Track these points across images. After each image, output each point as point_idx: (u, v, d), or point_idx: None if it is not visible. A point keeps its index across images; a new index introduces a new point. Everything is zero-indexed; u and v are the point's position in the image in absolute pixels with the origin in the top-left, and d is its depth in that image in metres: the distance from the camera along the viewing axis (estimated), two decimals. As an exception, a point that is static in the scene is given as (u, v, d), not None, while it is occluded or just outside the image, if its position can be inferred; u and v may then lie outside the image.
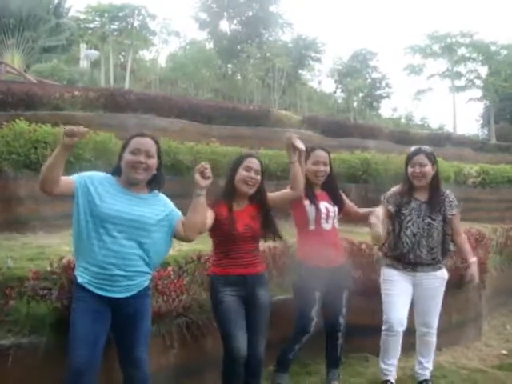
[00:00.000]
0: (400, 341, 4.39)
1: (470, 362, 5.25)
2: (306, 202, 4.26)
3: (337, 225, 4.40)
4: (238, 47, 40.29)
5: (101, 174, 3.31)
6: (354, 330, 4.66)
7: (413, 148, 4.49)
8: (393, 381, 4.44)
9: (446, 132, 28.23)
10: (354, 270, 5.15)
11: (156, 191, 3.42)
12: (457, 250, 4.59)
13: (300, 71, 42.77)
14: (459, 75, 38.67)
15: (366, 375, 4.54)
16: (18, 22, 30.40)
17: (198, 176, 3.30)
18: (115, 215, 3.16)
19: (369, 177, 9.73)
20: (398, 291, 4.37)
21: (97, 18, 32.96)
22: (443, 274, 4.48)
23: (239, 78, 41.38)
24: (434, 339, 4.55)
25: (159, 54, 47.38)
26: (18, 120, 7.13)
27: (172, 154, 7.98)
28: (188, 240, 3.45)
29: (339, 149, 11.55)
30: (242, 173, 3.79)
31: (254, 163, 3.82)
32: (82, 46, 35.42)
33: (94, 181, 3.21)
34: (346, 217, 4.60)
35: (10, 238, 3.71)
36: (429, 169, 4.33)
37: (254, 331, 3.77)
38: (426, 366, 4.58)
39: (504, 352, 5.62)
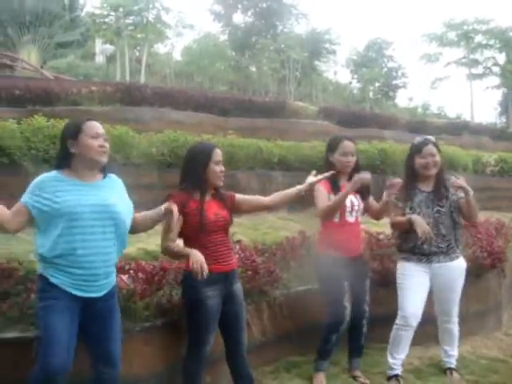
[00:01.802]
0: (412, 335, 4.40)
1: (490, 352, 5.24)
2: (331, 195, 4.29)
3: (360, 218, 4.44)
4: (253, 39, 40.20)
5: (48, 176, 3.09)
6: (374, 320, 4.67)
7: (420, 138, 4.48)
8: (401, 374, 4.45)
9: (463, 121, 27.90)
10: (372, 260, 5.18)
11: (110, 175, 3.29)
12: (468, 215, 4.41)
13: (315, 62, 42.59)
14: (476, 63, 38.27)
15: (385, 365, 4.54)
16: (33, 19, 30.61)
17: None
18: (82, 211, 3.01)
19: (386, 167, 9.72)
20: (413, 285, 4.36)
21: (112, 13, 33.02)
22: (460, 263, 4.46)
23: (254, 70, 41.30)
24: (455, 327, 4.57)
25: (174, 47, 47.49)
26: (36, 116, 7.20)
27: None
28: (131, 233, 3.35)
29: (356, 139, 11.47)
30: (214, 168, 3.65)
31: (220, 155, 3.71)
32: (98, 41, 35.61)
33: (45, 188, 3.03)
34: (366, 211, 4.62)
35: (30, 233, 3.71)
36: (438, 158, 4.36)
37: (237, 328, 3.74)
38: (450, 353, 4.61)
39: (524, 341, 5.59)
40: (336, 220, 4.30)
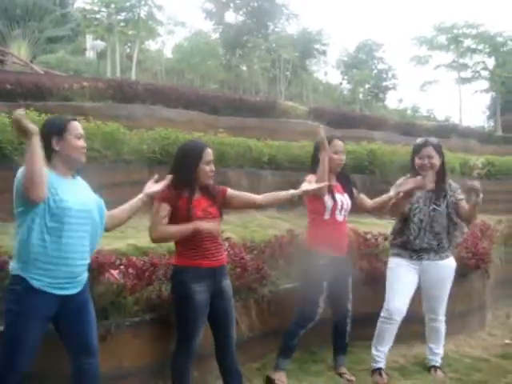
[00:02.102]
0: (396, 329, 4.50)
1: (474, 351, 5.33)
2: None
3: (347, 216, 4.52)
4: (244, 38, 40.19)
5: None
6: (359, 318, 4.74)
7: (420, 140, 4.58)
8: (383, 367, 4.54)
9: (451, 123, 28.07)
10: (359, 259, 5.25)
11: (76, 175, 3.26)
12: (468, 216, 4.49)
13: (306, 62, 42.65)
14: (465, 67, 38.45)
15: (370, 362, 4.62)
16: (23, 13, 30.42)
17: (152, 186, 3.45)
18: (72, 207, 3.02)
19: (375, 168, 9.79)
20: (402, 280, 4.46)
21: (103, 9, 32.85)
22: (450, 262, 4.57)
23: (244, 69, 41.30)
24: (442, 326, 4.66)
25: (165, 44, 47.39)
26: (28, 111, 7.20)
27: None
28: (107, 230, 3.37)
29: (345, 140, 11.52)
30: (205, 168, 3.66)
31: (211, 155, 3.73)
32: (88, 37, 35.40)
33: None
34: (360, 209, 4.73)
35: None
36: (436, 160, 4.45)
37: (226, 324, 3.78)
38: (436, 351, 4.70)
39: (508, 341, 5.69)
40: (326, 217, 4.36)
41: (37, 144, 2.79)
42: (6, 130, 6.43)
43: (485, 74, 38.40)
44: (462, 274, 5.53)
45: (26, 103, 10.01)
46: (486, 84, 39.21)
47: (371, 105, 42.86)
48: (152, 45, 41.46)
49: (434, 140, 4.58)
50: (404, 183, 4.37)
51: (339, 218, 4.40)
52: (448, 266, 4.55)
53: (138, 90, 12.65)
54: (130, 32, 33.06)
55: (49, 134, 3.09)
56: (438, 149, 4.49)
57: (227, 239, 4.87)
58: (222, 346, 3.82)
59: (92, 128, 7.19)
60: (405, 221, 4.50)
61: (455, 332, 5.57)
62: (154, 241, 3.74)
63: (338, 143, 4.49)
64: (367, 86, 44.34)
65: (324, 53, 44.33)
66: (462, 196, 4.49)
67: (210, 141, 8.01)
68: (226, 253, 3.97)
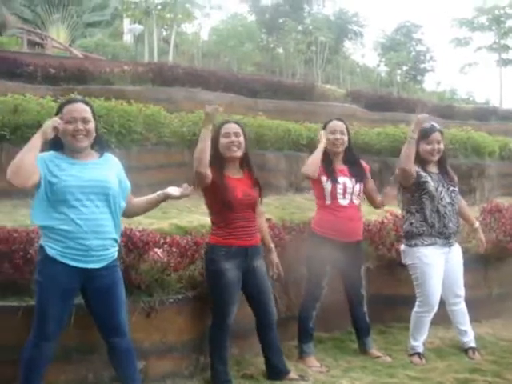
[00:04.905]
0: (432, 317, 4.55)
1: (511, 335, 5.29)
2: (324, 178, 4.37)
3: (357, 201, 4.46)
4: (280, 20, 39.94)
5: (51, 152, 3.22)
6: (397, 300, 4.81)
7: (426, 125, 4.52)
8: (422, 352, 4.57)
9: (491, 106, 27.47)
10: (396, 241, 5.28)
11: (107, 154, 3.38)
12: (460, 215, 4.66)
13: (342, 45, 42.23)
14: (507, 48, 37.59)
15: (406, 344, 4.68)
16: (63, -3, 30.80)
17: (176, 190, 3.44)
18: (80, 184, 3.12)
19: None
20: (439, 273, 4.46)
21: (141, -7, 32.99)
22: (458, 245, 4.66)
23: (281, 51, 41.07)
24: (464, 305, 4.67)
25: (201, 27, 47.32)
26: (72, 94, 7.40)
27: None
28: (125, 216, 3.48)
29: (383, 123, 11.52)
30: (223, 141, 3.84)
31: (230, 128, 3.88)
32: (126, 21, 35.64)
33: (46, 161, 3.14)
34: (366, 199, 4.70)
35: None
36: (442, 146, 4.51)
37: (262, 300, 3.92)
38: (468, 333, 4.70)
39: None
40: (328, 202, 4.37)
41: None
42: (52, 113, 6.58)
43: (527, 55, 37.48)
44: (499, 257, 5.54)
45: (68, 87, 10.28)
46: (528, 66, 38.27)
47: (409, 87, 42.20)
48: (189, 28, 41.55)
49: (437, 125, 4.62)
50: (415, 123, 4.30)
51: (343, 202, 4.36)
52: (459, 247, 4.64)
53: (177, 73, 12.77)
54: (168, 15, 33.14)
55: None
56: (442, 133, 4.56)
57: (267, 220, 4.97)
58: (262, 322, 3.96)
59: (134, 111, 7.35)
60: (430, 208, 4.43)
61: (492, 316, 5.59)
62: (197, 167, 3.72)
63: (334, 123, 4.47)
64: (405, 68, 43.67)
65: (361, 35, 43.82)
66: (456, 179, 4.63)
67: (249, 123, 8.11)
68: (258, 233, 4.03)
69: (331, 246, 4.29)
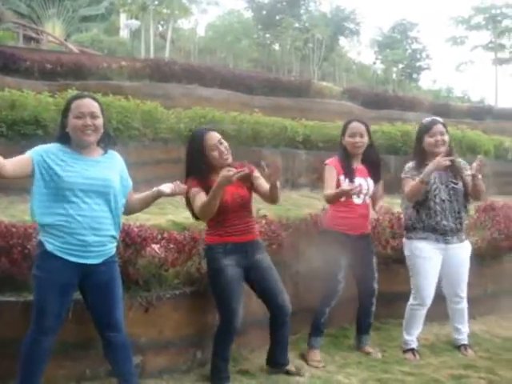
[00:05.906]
0: (425, 311, 4.56)
1: (505, 332, 5.33)
2: (342, 177, 4.37)
3: (368, 200, 4.50)
4: (277, 17, 39.94)
5: (51, 146, 3.21)
6: (392, 296, 4.83)
7: (427, 119, 4.56)
8: (416, 348, 4.60)
9: (486, 105, 27.55)
10: (391, 238, 5.31)
11: (111, 151, 3.37)
12: (477, 192, 4.47)
13: (339, 42, 42.27)
14: (503, 47, 37.70)
15: (401, 339, 4.70)
16: (58, -8, 30.70)
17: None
18: (81, 182, 3.12)
19: (409, 149, 9.76)
20: (431, 268, 4.46)
21: (137, -12, 32.92)
22: (468, 244, 4.62)
23: (277, 48, 41.08)
24: (465, 304, 4.68)
25: (198, 23, 47.26)
26: (69, 90, 7.41)
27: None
28: (124, 213, 3.45)
29: (379, 121, 11.57)
30: (212, 154, 3.73)
31: (214, 137, 3.75)
32: (122, 16, 35.57)
33: (49, 154, 3.14)
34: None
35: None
36: (447, 137, 4.46)
37: (273, 294, 3.88)
38: (463, 331, 4.73)
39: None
40: (342, 200, 4.32)
41: None
42: (50, 109, 6.63)
43: (522, 54, 37.57)
44: (493, 255, 5.58)
45: (65, 82, 10.27)
46: (523, 65, 38.39)
47: (404, 85, 42.32)
48: (185, 24, 41.52)
49: (440, 119, 4.60)
50: (427, 168, 4.27)
51: (357, 201, 4.37)
52: (467, 246, 4.59)
53: (174, 69, 12.80)
54: (164, 11, 33.08)
55: (61, 114, 3.27)
56: (446, 126, 4.51)
57: (264, 217, 4.98)
58: (277, 320, 3.95)
59: (131, 107, 7.37)
60: (421, 203, 4.44)
61: (486, 313, 5.62)
62: (205, 218, 3.77)
63: (354, 125, 4.44)
64: (401, 66, 43.78)
65: (357, 32, 43.88)
66: (469, 172, 4.44)
67: (246, 120, 8.13)
68: (261, 231, 4.03)
69: (345, 239, 4.33)
